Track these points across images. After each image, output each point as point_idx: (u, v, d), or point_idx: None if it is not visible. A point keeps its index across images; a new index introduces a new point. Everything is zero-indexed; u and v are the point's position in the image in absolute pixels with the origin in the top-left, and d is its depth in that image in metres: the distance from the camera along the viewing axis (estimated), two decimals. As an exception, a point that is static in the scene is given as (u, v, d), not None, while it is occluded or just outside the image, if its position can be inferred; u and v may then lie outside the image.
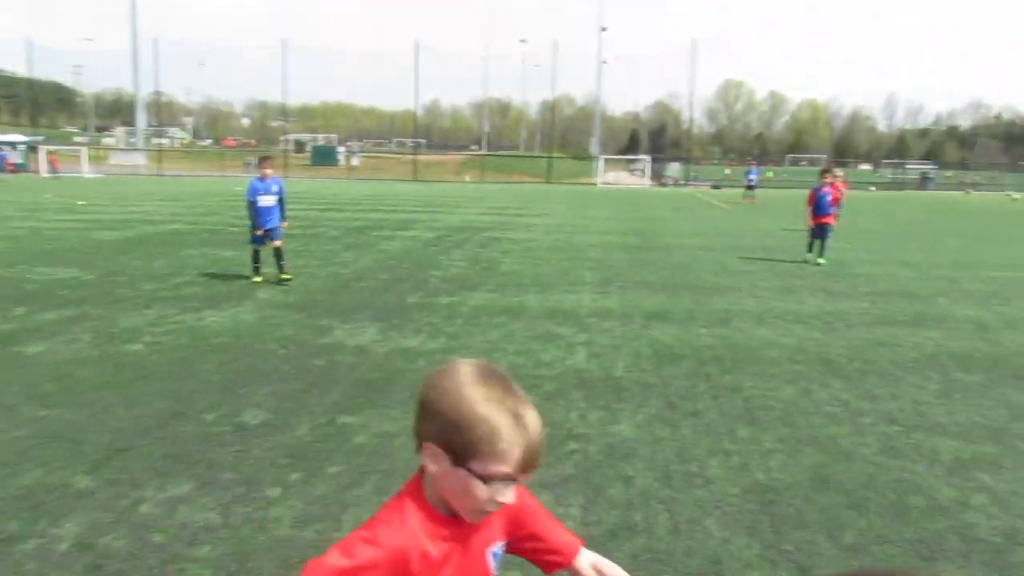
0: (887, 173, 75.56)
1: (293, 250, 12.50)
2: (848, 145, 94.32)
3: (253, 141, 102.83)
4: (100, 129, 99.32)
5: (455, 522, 1.40)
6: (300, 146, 75.41)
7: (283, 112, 72.12)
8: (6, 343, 6.94)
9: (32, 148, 50.98)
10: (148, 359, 6.52)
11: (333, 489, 4.09)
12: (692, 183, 56.38)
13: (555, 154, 69.52)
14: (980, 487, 4.28)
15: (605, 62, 66.19)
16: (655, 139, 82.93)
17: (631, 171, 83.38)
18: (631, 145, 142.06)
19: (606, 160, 59.72)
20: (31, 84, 76.91)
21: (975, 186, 59.37)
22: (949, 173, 72.01)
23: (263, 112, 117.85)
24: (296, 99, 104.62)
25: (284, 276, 10.29)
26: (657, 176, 63.69)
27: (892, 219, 24.71)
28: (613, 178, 57.37)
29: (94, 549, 3.45)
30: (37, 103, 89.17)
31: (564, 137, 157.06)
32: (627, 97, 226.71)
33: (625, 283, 10.96)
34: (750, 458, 4.64)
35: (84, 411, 5.20)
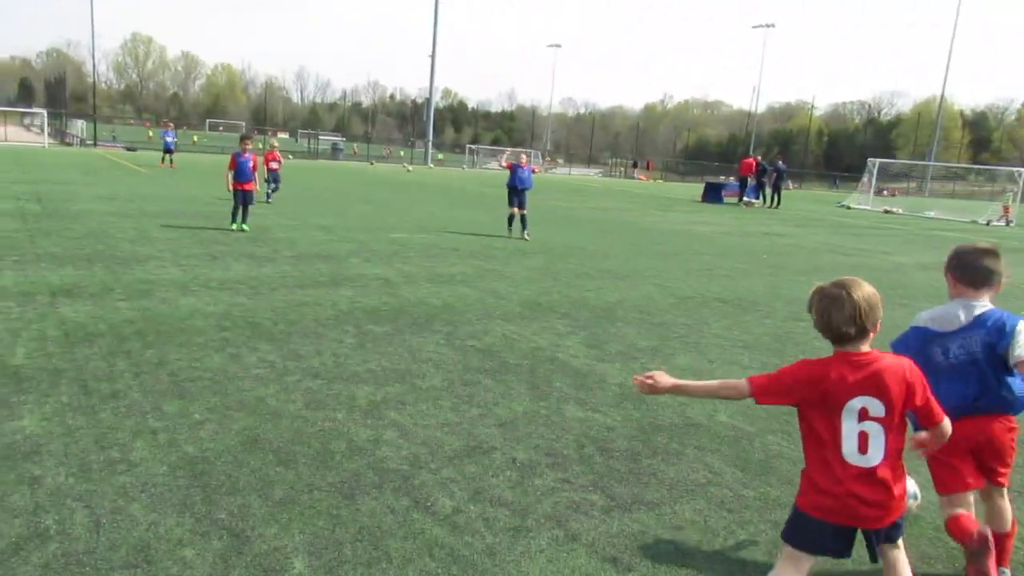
0: (304, 143, 79.90)
1: None
2: (265, 113, 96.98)
3: None
4: None
5: None
6: None
7: None
8: None
9: None
10: None
11: None
12: (104, 144, 51.45)
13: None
14: (390, 424, 4.87)
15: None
16: (52, 91, 72.99)
17: (27, 127, 72.15)
18: (23, 96, 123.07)
19: (-10, 112, 50.51)
20: None
21: (379, 159, 66.65)
22: (356, 145, 79.39)
23: None
24: None
25: None
26: (59, 134, 56.56)
27: (308, 186, 26.24)
28: (1, 134, 48.93)
29: None
30: None
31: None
32: (13, 40, 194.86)
33: (23, 256, 9.51)
34: (179, 433, 4.48)
35: None
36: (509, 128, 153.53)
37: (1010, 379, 3.28)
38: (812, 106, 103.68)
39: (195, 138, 68.17)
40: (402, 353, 6.50)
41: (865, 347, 2.77)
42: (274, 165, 19.58)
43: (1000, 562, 3.43)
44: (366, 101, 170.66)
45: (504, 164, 15.96)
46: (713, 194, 35.45)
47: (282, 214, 16.44)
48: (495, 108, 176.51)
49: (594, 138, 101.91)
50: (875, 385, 2.70)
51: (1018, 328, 3.21)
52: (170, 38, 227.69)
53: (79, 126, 58.22)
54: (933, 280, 13.67)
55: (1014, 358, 3.19)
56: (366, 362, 6.16)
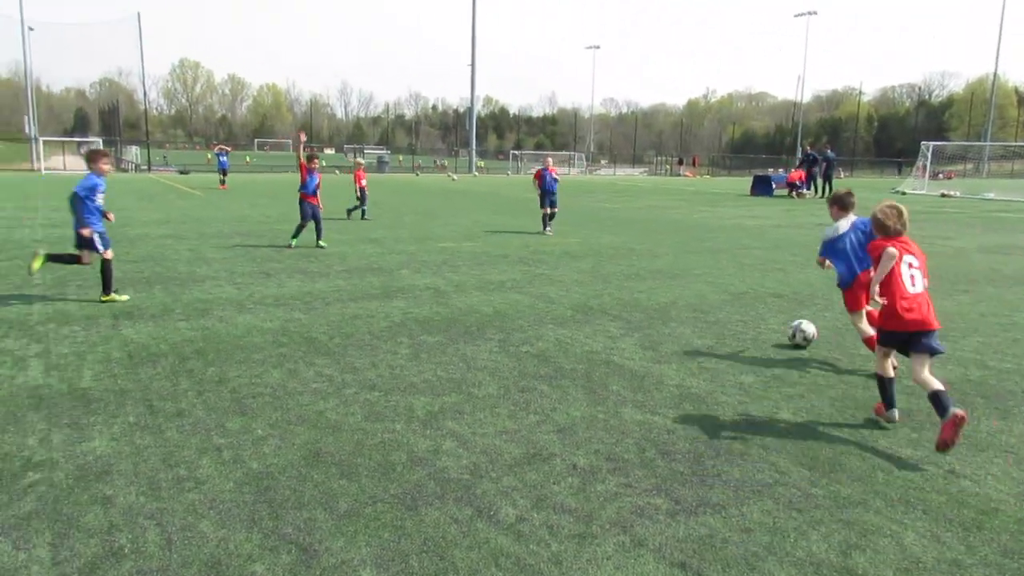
0: (349, 157, 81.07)
1: None
2: (311, 130, 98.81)
3: None
4: None
5: None
6: None
7: None
8: None
9: None
10: None
11: None
12: (157, 168, 52.89)
13: (-22, 136, 58.68)
14: (448, 434, 4.88)
15: (32, 29, 57.67)
16: (107, 120, 75.52)
17: (83, 155, 74.56)
18: (79, 126, 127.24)
19: (48, 143, 52.39)
20: None
21: (424, 170, 67.23)
22: (401, 157, 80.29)
23: None
24: None
25: None
26: (115, 161, 58.38)
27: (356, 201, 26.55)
28: (61, 163, 50.67)
29: None
30: None
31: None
32: (67, 72, 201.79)
33: (86, 281, 9.79)
34: (243, 449, 4.55)
35: None
36: (552, 132, 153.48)
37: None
38: (860, 92, 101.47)
39: (248, 158, 69.64)
40: (456, 362, 6.51)
41: (905, 235, 5.33)
42: (364, 183, 19.90)
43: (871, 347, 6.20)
44: (409, 113, 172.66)
45: (533, 173, 17.87)
46: (762, 187, 34.89)
47: (332, 228, 16.66)
48: (536, 113, 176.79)
49: (637, 137, 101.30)
50: (916, 251, 5.31)
51: (841, 228, 6.61)
52: (216, 62, 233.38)
53: (133, 152, 60.05)
54: (996, 263, 13.21)
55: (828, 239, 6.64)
56: (422, 372, 6.18)
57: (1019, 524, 3.78)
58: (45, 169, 45.56)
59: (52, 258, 8.82)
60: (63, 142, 63.97)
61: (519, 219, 20.15)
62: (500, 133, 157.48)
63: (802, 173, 33.68)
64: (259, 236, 15.14)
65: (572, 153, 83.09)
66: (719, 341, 7.39)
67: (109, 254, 8.66)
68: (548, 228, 16.79)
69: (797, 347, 7.22)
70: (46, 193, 26.72)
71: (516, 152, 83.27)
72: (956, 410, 4.52)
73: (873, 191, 40.74)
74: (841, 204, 6.59)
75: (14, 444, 4.56)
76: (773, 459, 4.56)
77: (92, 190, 8.41)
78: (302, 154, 14.09)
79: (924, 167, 40.29)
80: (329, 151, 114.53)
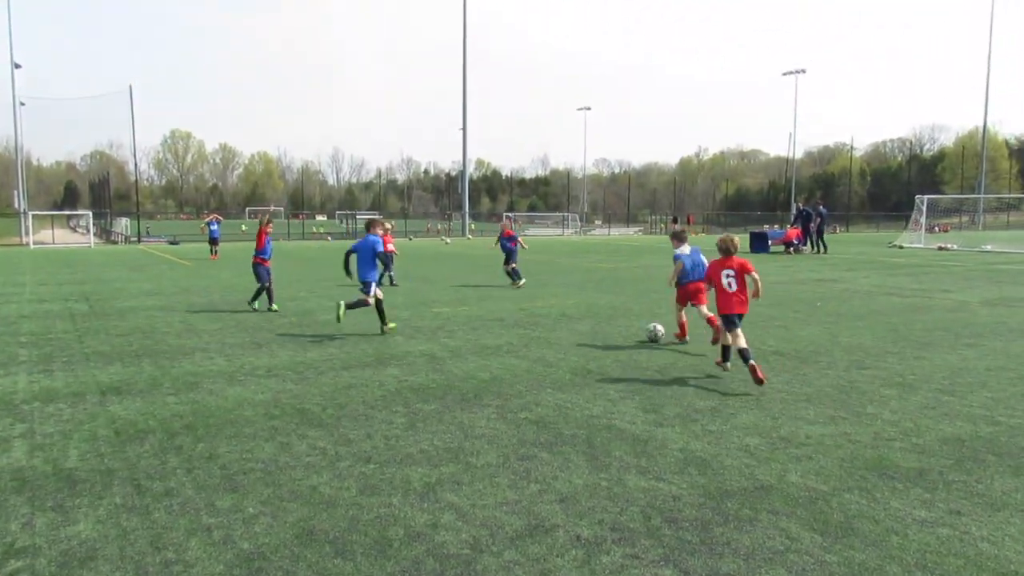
0: (340, 224, 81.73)
1: None
2: (303, 197, 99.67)
3: None
4: None
5: None
6: None
7: None
8: None
9: None
10: None
11: None
12: (147, 239, 53.16)
13: (-35, 211, 59.13)
14: (447, 506, 4.78)
15: (23, 103, 58.58)
16: (97, 192, 76.31)
17: (73, 228, 74.95)
18: (68, 199, 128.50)
19: (37, 216, 52.78)
20: None
21: (416, 234, 67.73)
22: (393, 221, 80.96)
23: None
24: None
25: None
26: (105, 233, 58.68)
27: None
28: (50, 237, 50.97)
29: None
30: None
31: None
32: (57, 145, 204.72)
33: (72, 357, 9.74)
34: (233, 528, 4.45)
35: None
36: (544, 193, 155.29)
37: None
38: (851, 147, 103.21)
39: (243, 227, 70.06)
40: (454, 431, 6.44)
41: (733, 256, 8.36)
42: (391, 247, 20.00)
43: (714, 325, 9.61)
44: (401, 178, 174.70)
45: (505, 234, 19.88)
46: (759, 243, 35.13)
47: (325, 296, 16.67)
48: (529, 174, 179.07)
49: (631, 196, 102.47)
50: (735, 265, 8.33)
51: (684, 251, 10.49)
52: (208, 131, 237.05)
53: (124, 224, 60.47)
54: (1000, 316, 13.24)
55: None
56: (418, 442, 6.11)
57: (293, 560, 3.68)
58: (34, 243, 45.76)
59: (350, 306, 11.47)
60: (52, 215, 64.55)
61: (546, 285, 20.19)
62: (493, 195, 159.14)
63: (798, 230, 33.98)
64: (248, 305, 15.11)
65: (566, 214, 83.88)
66: (722, 402, 7.34)
67: (380, 294, 11.65)
68: (519, 281, 18.60)
69: (652, 341, 10.60)
70: (34, 267, 26.78)
71: (509, 214, 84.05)
72: (753, 363, 7.80)
73: (869, 245, 41.09)
74: (679, 238, 10.73)
75: (-5, 529, 4.46)
76: (784, 524, 4.48)
77: (372, 248, 11.51)
78: (263, 221, 15.76)
79: (919, 220, 40.70)
80: (321, 217, 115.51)
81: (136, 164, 66.84)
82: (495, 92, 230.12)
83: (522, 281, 18.64)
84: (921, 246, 38.76)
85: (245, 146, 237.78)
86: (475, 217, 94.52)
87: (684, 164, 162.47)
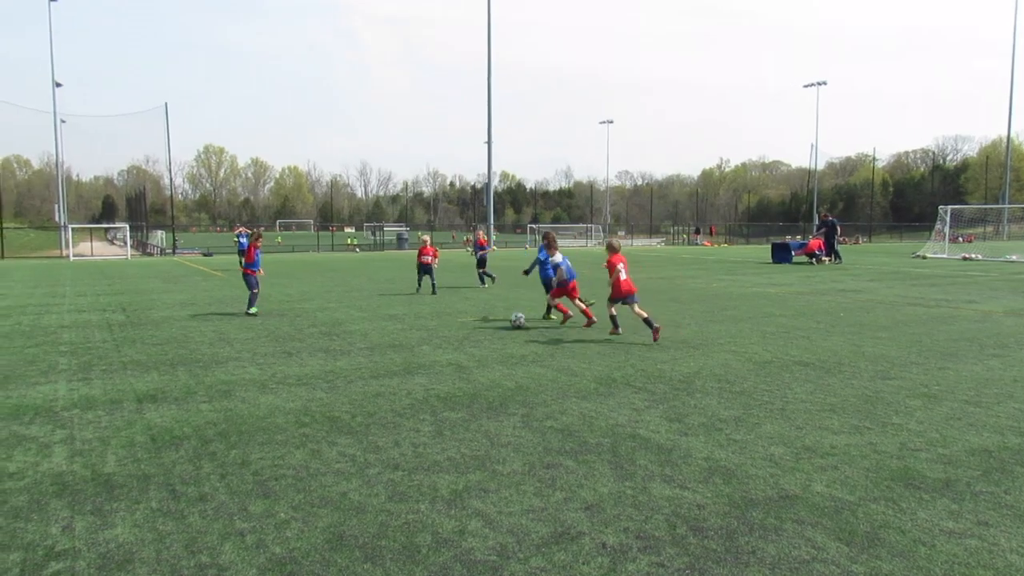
0: (369, 235, 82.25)
1: None
2: (332, 209, 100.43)
3: None
4: None
5: None
6: None
7: None
8: None
9: None
10: None
11: None
12: (182, 252, 53.86)
13: (8, 224, 60.28)
14: (474, 513, 4.78)
15: (63, 121, 59.76)
16: (134, 206, 77.55)
17: (111, 241, 76.16)
18: (106, 213, 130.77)
19: (76, 230, 53.71)
20: None
21: (441, 245, 67.98)
22: (420, 233, 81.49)
23: None
24: None
25: None
26: (141, 246, 59.58)
27: (376, 277, 26.82)
28: (88, 249, 51.84)
29: None
30: None
31: (21, 204, 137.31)
32: (96, 161, 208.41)
33: (110, 366, 9.87)
34: (266, 533, 4.48)
35: None
36: (568, 205, 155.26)
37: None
38: (874, 158, 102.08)
39: (279, 239, 70.66)
40: (480, 439, 6.44)
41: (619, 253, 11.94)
42: (427, 259, 19.91)
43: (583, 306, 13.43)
44: (427, 190, 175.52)
45: (479, 241, 23.70)
46: (782, 254, 34.83)
47: (353, 306, 16.77)
48: (553, 187, 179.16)
49: (653, 208, 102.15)
50: (624, 261, 11.97)
51: (557, 260, 13.64)
52: (240, 146, 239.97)
53: (159, 236, 61.38)
54: (1026, 327, 13.00)
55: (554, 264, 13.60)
56: (445, 450, 6.11)
57: (324, 565, 3.61)
58: (74, 255, 46.58)
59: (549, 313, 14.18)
60: (90, 228, 65.63)
61: (538, 291, 20.18)
62: (517, 207, 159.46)
63: (819, 241, 33.64)
64: (280, 315, 15.25)
65: (589, 225, 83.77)
66: (746, 411, 7.27)
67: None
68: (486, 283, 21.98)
69: (518, 328, 12.83)
70: (73, 278, 27.22)
71: (533, 226, 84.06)
72: (657, 326, 11.52)
73: (892, 256, 40.60)
74: (552, 244, 13.94)
75: (37, 533, 4.52)
76: (809, 534, 4.42)
77: (544, 261, 14.19)
78: (253, 237, 16.67)
79: (942, 231, 40.16)
80: (349, 229, 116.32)
81: (171, 178, 67.91)
82: (520, 105, 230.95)
83: (491, 282, 22.02)
84: (945, 256, 38.23)
85: (276, 160, 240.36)
86: (499, 228, 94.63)
87: (706, 175, 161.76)
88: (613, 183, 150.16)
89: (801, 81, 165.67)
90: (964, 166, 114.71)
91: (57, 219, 58.49)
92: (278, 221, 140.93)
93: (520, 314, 13.32)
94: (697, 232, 79.18)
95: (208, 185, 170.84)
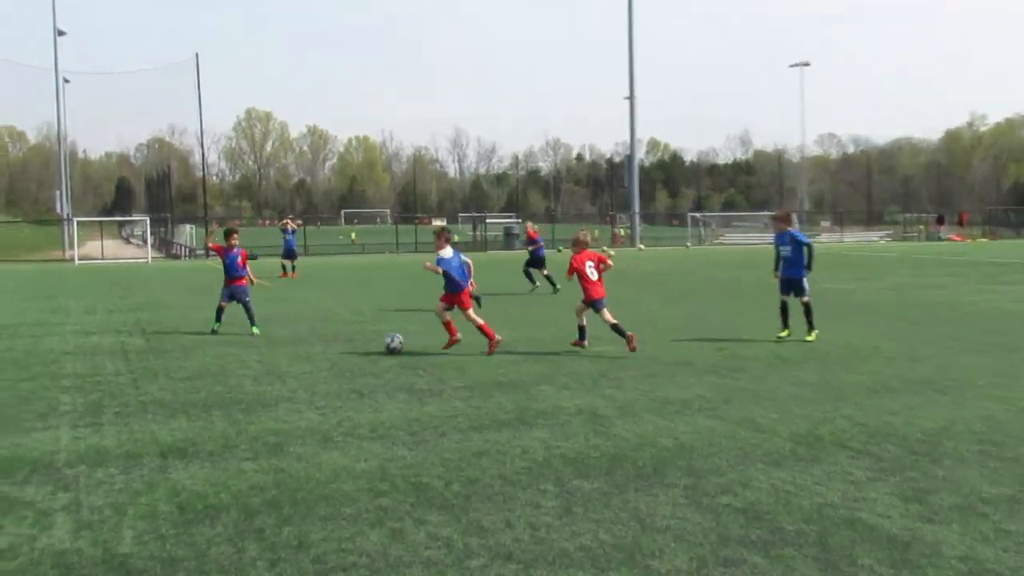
0: (467, 230, 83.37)
1: None
2: (415, 194, 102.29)
3: None
4: None
5: None
6: None
7: None
8: None
9: None
10: None
11: None
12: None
13: (-1, 217, 64.64)
14: (619, 628, 4.71)
15: (67, 80, 63.45)
16: (155, 192, 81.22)
17: (126, 239, 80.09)
18: (121, 200, 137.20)
19: (83, 223, 56.88)
20: None
21: (565, 243, 68.23)
22: (538, 225, 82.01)
23: None
24: None
25: None
26: (164, 245, 62.06)
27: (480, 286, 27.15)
28: (98, 249, 54.66)
29: None
30: None
31: (13, 190, 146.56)
32: (109, 132, 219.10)
33: (126, 406, 10.36)
34: (331, 645, 4.55)
35: None
36: (746, 184, 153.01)
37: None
38: None
39: (353, 235, 72.14)
40: (626, 520, 6.37)
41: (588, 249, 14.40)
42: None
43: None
44: (545, 167, 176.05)
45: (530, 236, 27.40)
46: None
47: (440, 327, 16.99)
48: (723, 159, 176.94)
49: (872, 186, 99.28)
50: (594, 258, 14.26)
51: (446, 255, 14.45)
52: (291, 112, 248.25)
53: (187, 232, 63.73)
54: None
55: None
56: (577, 535, 6.07)
57: None
58: (79, 258, 48.83)
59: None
60: (100, 222, 68.55)
61: (703, 306, 19.88)
62: (673, 189, 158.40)
63: None
64: (348, 340, 15.64)
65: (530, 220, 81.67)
66: (1020, 488, 6.91)
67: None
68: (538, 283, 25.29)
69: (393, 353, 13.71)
70: (79, 288, 28.75)
71: (696, 215, 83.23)
72: (630, 333, 13.51)
73: None
74: (447, 239, 14.49)
75: (33, 632, 4.76)
76: None
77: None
78: (215, 239, 17.26)
79: None
80: (439, 221, 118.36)
81: (204, 154, 71.33)
82: (673, 46, 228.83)
83: (552, 289, 24.51)
84: None
85: (339, 129, 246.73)
86: (647, 219, 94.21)
87: (951, 139, 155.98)
88: (812, 152, 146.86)
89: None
90: None
91: (58, 210, 61.84)
92: (342, 211, 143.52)
93: (396, 335, 14.48)
94: (940, 221, 76.47)
95: (251, 163, 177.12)
